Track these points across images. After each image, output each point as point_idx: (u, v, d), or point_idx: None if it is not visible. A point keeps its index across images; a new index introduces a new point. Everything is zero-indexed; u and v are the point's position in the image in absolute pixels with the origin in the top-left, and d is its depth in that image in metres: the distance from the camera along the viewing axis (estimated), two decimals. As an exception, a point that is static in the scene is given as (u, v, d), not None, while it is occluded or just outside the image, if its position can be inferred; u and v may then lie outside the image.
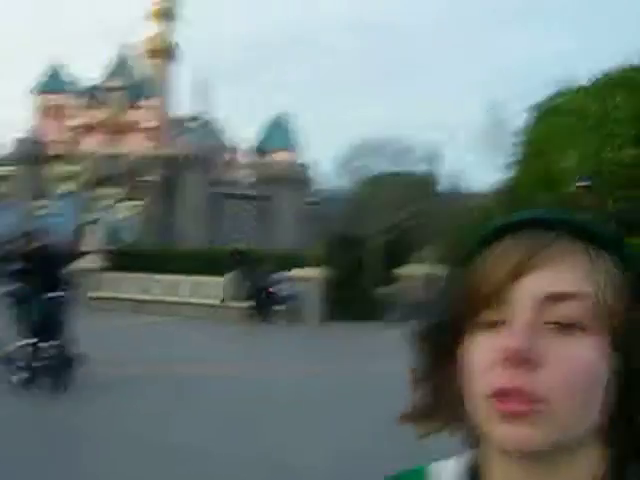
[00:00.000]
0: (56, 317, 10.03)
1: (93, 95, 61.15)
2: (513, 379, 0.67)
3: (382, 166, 38.48)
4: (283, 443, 7.20)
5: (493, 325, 0.71)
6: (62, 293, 10.33)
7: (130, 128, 60.77)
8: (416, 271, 22.66)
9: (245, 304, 20.58)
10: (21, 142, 56.56)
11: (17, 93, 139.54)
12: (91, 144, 57.97)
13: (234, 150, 69.62)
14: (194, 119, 63.37)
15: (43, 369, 9.60)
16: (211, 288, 21.62)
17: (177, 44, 66.02)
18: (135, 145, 58.48)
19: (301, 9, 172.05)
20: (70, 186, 25.29)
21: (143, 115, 60.88)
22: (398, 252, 25.83)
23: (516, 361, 0.66)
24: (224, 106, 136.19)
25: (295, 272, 20.83)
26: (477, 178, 71.56)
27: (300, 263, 21.46)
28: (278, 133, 63.43)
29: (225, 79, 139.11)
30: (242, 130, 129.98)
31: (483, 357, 0.70)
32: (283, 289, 20.56)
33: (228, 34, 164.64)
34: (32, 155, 54.64)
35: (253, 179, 61.44)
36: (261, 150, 65.07)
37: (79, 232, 25.40)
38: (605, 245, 0.72)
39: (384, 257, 23.59)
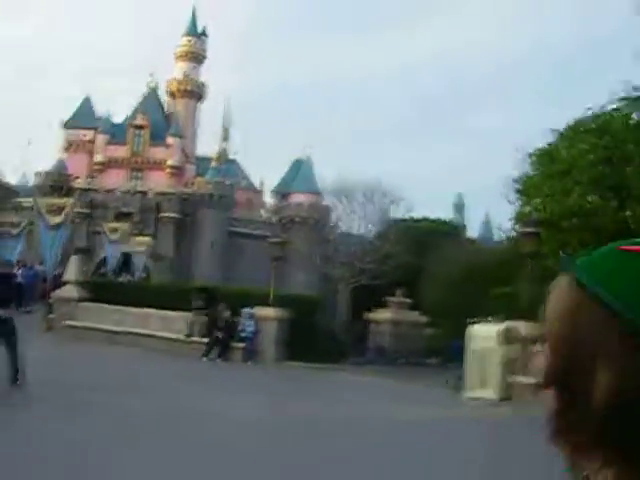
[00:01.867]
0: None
1: (118, 131, 62.80)
2: None
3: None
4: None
5: None
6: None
7: (153, 165, 62.22)
8: (383, 315, 22.82)
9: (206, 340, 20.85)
10: (46, 175, 58.26)
11: (44, 127, 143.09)
12: (113, 179, 59.46)
13: (256, 190, 70.60)
14: (217, 159, 64.47)
15: None
16: (178, 323, 21.96)
17: (204, 84, 67.66)
18: (156, 182, 59.71)
19: (330, 57, 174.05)
20: (60, 218, 25.68)
21: (166, 153, 62.25)
22: (377, 295, 26.05)
23: None
24: (248, 147, 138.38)
25: (258, 310, 21.05)
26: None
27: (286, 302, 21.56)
28: (300, 176, 64.01)
29: (250, 121, 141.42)
30: (265, 171, 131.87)
31: None
32: (246, 327, 20.76)
33: (256, 77, 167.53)
34: (56, 188, 56.21)
35: (273, 220, 61.93)
36: (282, 192, 65.79)
37: (62, 262, 26.08)
38: None
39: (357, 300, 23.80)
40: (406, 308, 23.77)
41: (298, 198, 61.57)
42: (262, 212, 65.28)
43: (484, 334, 13.96)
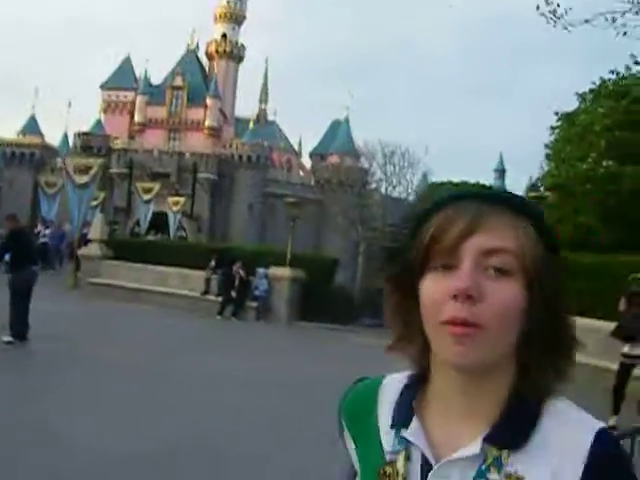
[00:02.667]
0: None
1: (157, 92, 63.29)
2: (460, 311, 0.92)
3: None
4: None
5: (445, 268, 0.96)
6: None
7: (191, 126, 62.68)
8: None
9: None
10: (85, 135, 59.20)
11: (85, 88, 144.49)
12: (152, 140, 60.14)
13: (294, 152, 70.63)
14: (255, 120, 64.57)
15: None
16: (197, 281, 22.35)
17: (243, 45, 67.55)
18: (194, 143, 60.22)
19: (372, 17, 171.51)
20: (87, 177, 26.17)
21: (204, 114, 62.61)
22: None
23: (463, 297, 0.92)
24: (287, 108, 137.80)
25: (273, 270, 21.30)
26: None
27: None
28: (338, 137, 63.77)
29: (289, 82, 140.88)
30: (304, 133, 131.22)
31: (437, 293, 0.95)
32: (259, 286, 21.03)
33: (295, 37, 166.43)
34: (95, 149, 57.15)
35: (310, 181, 61.90)
36: (320, 153, 65.73)
37: (87, 222, 26.67)
38: (528, 215, 0.99)
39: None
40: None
41: (335, 160, 61.52)
42: (300, 173, 65.38)
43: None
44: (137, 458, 6.16)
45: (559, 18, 11.77)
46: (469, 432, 0.98)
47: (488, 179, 63.92)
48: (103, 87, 64.44)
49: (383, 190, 53.21)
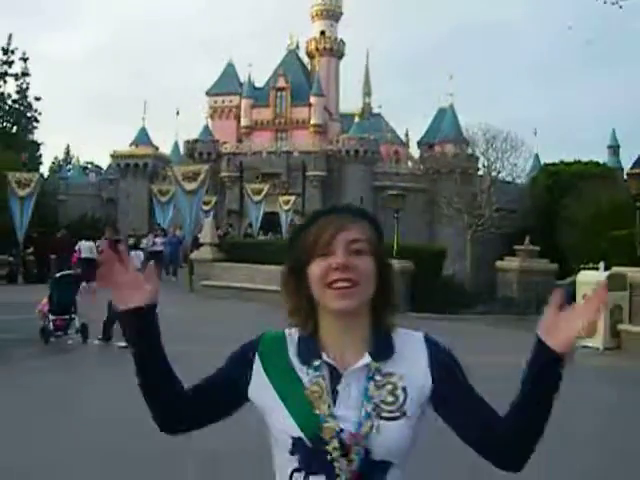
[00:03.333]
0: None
1: (261, 95, 64.20)
2: (341, 275, 1.51)
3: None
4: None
5: (325, 255, 1.54)
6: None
7: (296, 125, 63.24)
8: (510, 264, 22.05)
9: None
10: (194, 142, 60.79)
11: (190, 94, 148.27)
12: (260, 142, 61.09)
13: (401, 143, 69.99)
14: (360, 114, 64.40)
15: None
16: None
17: (342, 41, 67.53)
18: (301, 141, 60.71)
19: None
20: (196, 184, 26.79)
21: (309, 112, 63.03)
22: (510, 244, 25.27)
23: (342, 268, 1.52)
24: (392, 100, 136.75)
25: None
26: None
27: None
28: (445, 125, 62.67)
29: (392, 73, 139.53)
30: (411, 123, 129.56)
31: (323, 267, 1.54)
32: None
33: (394, 28, 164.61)
34: (205, 154, 58.62)
35: (419, 172, 61.04)
36: (428, 142, 64.85)
37: (198, 226, 27.29)
38: (368, 219, 1.64)
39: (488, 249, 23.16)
40: (535, 256, 22.82)
41: (444, 148, 60.45)
42: (409, 164, 64.72)
43: (592, 280, 13.22)
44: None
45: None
46: (353, 354, 1.59)
47: (601, 156, 61.14)
48: (209, 93, 66.03)
49: (487, 175, 51.90)
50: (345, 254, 1.52)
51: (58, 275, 12.91)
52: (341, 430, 1.52)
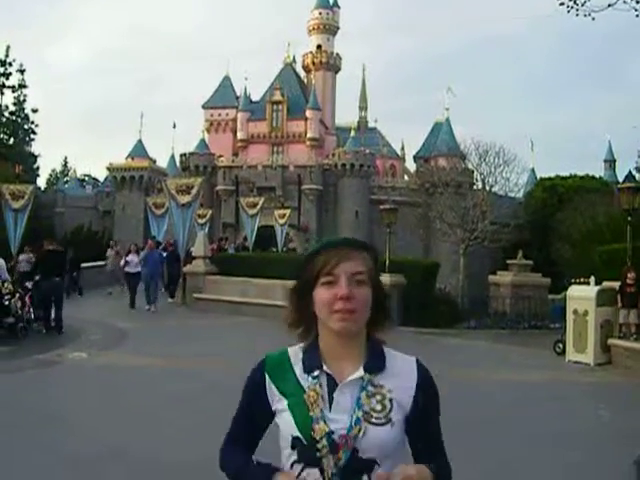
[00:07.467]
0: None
1: (258, 108, 64.30)
2: (345, 305, 1.75)
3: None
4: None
5: (328, 284, 1.79)
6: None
7: (292, 139, 63.31)
8: (503, 278, 21.99)
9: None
10: (190, 155, 60.82)
11: (187, 107, 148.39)
12: (255, 155, 61.12)
13: (397, 157, 70.10)
14: (356, 128, 64.51)
15: None
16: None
17: (338, 55, 67.74)
18: (297, 155, 60.75)
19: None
20: (189, 197, 26.76)
21: (305, 126, 63.11)
22: (502, 258, 25.21)
23: (345, 298, 1.76)
24: (387, 114, 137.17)
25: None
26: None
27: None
28: (440, 139, 62.74)
29: (387, 88, 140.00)
30: (406, 137, 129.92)
31: (329, 296, 1.78)
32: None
33: (389, 43, 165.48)
34: (201, 167, 58.61)
35: (415, 186, 61.00)
36: (424, 156, 64.92)
37: (189, 239, 27.18)
38: (368, 250, 1.88)
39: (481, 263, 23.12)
40: (528, 270, 22.80)
41: (439, 162, 60.43)
42: (405, 178, 64.70)
43: (583, 294, 13.18)
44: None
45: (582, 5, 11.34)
46: (350, 367, 1.85)
47: (597, 170, 61.28)
48: (205, 106, 66.11)
49: (482, 189, 51.80)
50: (348, 285, 1.77)
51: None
52: (332, 431, 1.78)
